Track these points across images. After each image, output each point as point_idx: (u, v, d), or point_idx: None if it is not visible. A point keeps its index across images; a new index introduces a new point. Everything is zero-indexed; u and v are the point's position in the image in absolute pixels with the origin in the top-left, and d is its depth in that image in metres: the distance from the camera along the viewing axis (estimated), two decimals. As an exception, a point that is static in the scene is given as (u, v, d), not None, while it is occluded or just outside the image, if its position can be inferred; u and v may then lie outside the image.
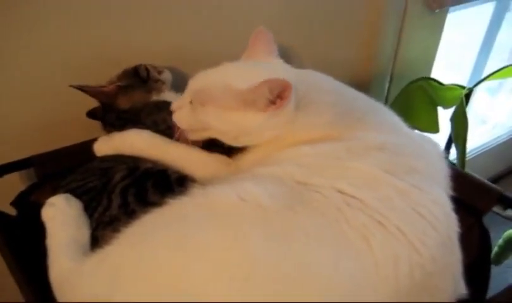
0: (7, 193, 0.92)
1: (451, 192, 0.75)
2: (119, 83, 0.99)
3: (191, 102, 0.85)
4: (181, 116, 0.87)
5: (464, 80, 2.09)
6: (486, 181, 0.93)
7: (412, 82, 1.46)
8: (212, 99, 0.81)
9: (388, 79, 1.56)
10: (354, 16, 1.40)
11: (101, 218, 0.76)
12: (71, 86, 0.95)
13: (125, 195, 0.77)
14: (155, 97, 1.02)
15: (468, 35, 2.08)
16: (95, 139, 0.96)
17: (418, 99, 1.46)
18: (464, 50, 2.12)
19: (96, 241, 0.75)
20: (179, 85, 1.03)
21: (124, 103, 1.00)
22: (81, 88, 0.96)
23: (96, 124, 1.02)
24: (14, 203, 0.93)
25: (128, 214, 0.74)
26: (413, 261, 0.61)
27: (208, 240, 0.60)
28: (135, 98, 1.00)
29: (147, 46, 1.12)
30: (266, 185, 0.67)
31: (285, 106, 0.76)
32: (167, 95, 1.03)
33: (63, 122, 1.09)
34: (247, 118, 0.79)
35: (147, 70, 1.03)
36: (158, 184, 0.78)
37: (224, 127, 0.83)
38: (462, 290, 0.68)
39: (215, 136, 0.86)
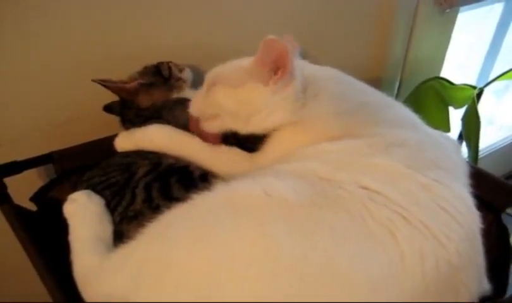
0: (26, 189, 0.93)
1: (470, 189, 0.75)
2: (141, 81, 0.99)
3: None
4: (195, 102, 0.88)
5: (472, 80, 2.09)
6: (503, 179, 0.94)
7: (423, 82, 1.46)
8: (221, 79, 0.83)
9: (398, 78, 1.57)
10: (365, 17, 1.40)
11: (125, 212, 0.77)
12: (93, 80, 0.96)
13: (149, 190, 0.78)
14: (175, 95, 1.03)
15: (476, 36, 2.09)
16: (114, 136, 0.96)
17: (429, 98, 1.46)
18: (472, 51, 2.12)
19: (120, 236, 0.75)
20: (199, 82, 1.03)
21: (144, 101, 1.00)
22: (103, 83, 0.96)
23: (115, 120, 1.03)
24: (33, 199, 0.94)
25: (152, 209, 0.74)
26: (438, 255, 0.61)
27: (233, 236, 0.60)
28: (156, 96, 1.00)
29: (166, 43, 1.13)
30: (290, 180, 0.67)
31: (288, 75, 0.78)
32: (188, 93, 1.03)
33: (82, 117, 1.10)
34: (254, 92, 0.81)
35: (169, 68, 1.03)
36: (182, 180, 0.79)
37: (234, 106, 0.83)
38: (485, 285, 0.69)
39: (227, 126, 0.85)
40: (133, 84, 0.98)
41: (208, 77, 0.87)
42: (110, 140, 0.96)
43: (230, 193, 0.67)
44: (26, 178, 0.95)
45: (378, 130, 0.79)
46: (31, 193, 0.95)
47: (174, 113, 0.96)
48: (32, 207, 0.93)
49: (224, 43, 1.19)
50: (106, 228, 0.77)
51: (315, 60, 0.93)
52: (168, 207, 0.68)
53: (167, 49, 1.12)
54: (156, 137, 0.91)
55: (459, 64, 2.10)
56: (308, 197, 0.65)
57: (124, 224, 0.76)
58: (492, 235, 0.84)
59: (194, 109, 0.88)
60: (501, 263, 0.84)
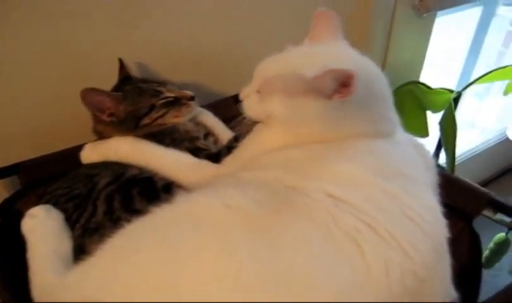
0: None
1: (440, 197, 0.74)
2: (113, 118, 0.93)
3: (258, 91, 0.82)
4: (249, 105, 0.83)
5: (452, 84, 2.10)
6: (475, 185, 0.93)
7: (401, 86, 1.46)
8: (278, 87, 0.78)
9: None
10: (342, 20, 1.39)
11: (87, 224, 0.75)
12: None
13: (110, 201, 0.76)
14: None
15: (455, 40, 2.10)
16: (82, 145, 0.94)
17: (407, 103, 1.46)
18: (452, 55, 2.13)
19: (83, 249, 0.73)
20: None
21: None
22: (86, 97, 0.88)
23: (83, 130, 0.99)
24: (-3, 211, 0.91)
25: (113, 221, 0.73)
26: (404, 266, 0.60)
27: (193, 250, 0.58)
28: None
29: (152, 51, 1.13)
30: (251, 190, 0.66)
31: (350, 94, 0.70)
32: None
33: (49, 127, 1.07)
34: (313, 105, 0.74)
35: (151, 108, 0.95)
36: (144, 191, 0.77)
37: (291, 117, 0.78)
38: (452, 295, 0.68)
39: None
40: (106, 118, 0.92)
41: (260, 76, 0.82)
42: (77, 151, 0.93)
43: (190, 206, 0.65)
44: None
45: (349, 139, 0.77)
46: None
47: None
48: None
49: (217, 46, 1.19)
50: (65, 244, 0.74)
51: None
52: (129, 220, 0.66)
53: (153, 57, 1.12)
54: (120, 148, 0.89)
55: (439, 68, 2.12)
56: (269, 206, 0.63)
57: (86, 237, 0.74)
58: (464, 242, 0.84)
59: (249, 113, 0.84)
60: (472, 270, 0.83)
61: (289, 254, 0.58)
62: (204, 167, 0.86)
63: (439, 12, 1.52)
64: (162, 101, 0.94)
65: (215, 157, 0.88)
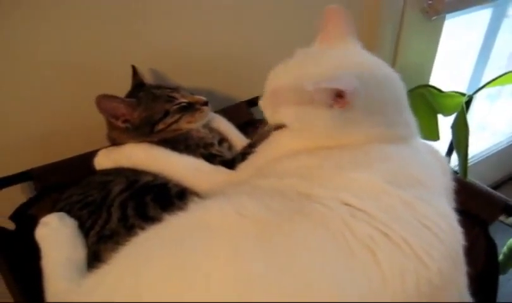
0: (7, 206, 0.91)
1: (455, 204, 0.74)
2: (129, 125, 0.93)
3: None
4: (267, 115, 0.85)
5: (463, 87, 2.09)
6: (491, 190, 0.92)
7: (412, 89, 1.45)
8: (285, 98, 0.79)
9: None
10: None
11: (102, 231, 0.75)
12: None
13: (124, 208, 0.76)
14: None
15: (466, 42, 2.08)
16: (95, 151, 0.95)
17: (418, 107, 1.43)
18: (463, 57, 2.11)
19: (97, 256, 0.74)
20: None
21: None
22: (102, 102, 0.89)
23: (97, 135, 1.00)
24: (12, 217, 0.92)
25: (127, 228, 0.73)
26: (420, 274, 0.59)
27: (206, 258, 0.58)
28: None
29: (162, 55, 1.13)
30: (265, 198, 0.66)
31: (346, 105, 0.71)
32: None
33: (63, 133, 1.08)
34: (319, 113, 0.75)
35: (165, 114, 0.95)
36: (158, 198, 0.77)
37: (301, 125, 0.78)
38: (469, 301, 0.67)
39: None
40: (120, 125, 0.93)
41: (270, 87, 0.83)
42: (91, 156, 0.94)
43: (203, 214, 0.65)
44: (6, 196, 0.94)
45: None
46: (11, 211, 0.92)
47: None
48: (10, 225, 0.91)
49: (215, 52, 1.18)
50: (79, 251, 0.75)
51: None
52: (143, 227, 0.67)
53: (165, 64, 1.12)
54: (134, 155, 0.90)
55: (450, 71, 2.10)
56: (283, 214, 0.63)
57: (101, 244, 0.75)
58: (480, 248, 0.83)
59: (271, 123, 0.85)
60: (489, 277, 0.83)
61: (304, 263, 0.58)
62: (218, 173, 0.86)
63: (448, 15, 1.51)
64: (176, 106, 0.94)
65: (230, 163, 0.89)
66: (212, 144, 0.93)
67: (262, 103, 0.86)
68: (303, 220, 0.62)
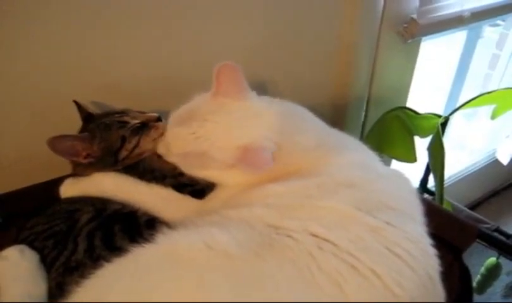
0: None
1: (428, 229, 0.73)
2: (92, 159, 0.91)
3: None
4: (179, 163, 0.88)
5: (440, 108, 2.11)
6: (463, 218, 0.92)
7: (388, 111, 1.45)
8: (194, 164, 0.85)
9: (364, 107, 1.56)
10: (328, 46, 1.39)
11: (67, 263, 0.73)
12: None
13: (91, 238, 0.74)
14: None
15: (442, 63, 2.11)
16: (62, 177, 0.92)
17: (394, 128, 1.46)
18: (439, 78, 2.14)
19: (62, 288, 0.70)
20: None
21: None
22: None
23: (63, 161, 0.96)
24: (-25, 247, 0.89)
25: (94, 259, 0.71)
26: None
27: (173, 292, 0.57)
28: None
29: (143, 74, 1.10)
30: (234, 230, 0.65)
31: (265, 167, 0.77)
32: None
33: (27, 158, 1.05)
34: (227, 174, 0.83)
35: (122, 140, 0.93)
36: (126, 228, 0.76)
37: (238, 178, 0.82)
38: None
39: None
40: (83, 161, 0.91)
41: (175, 144, 0.87)
42: (58, 183, 0.91)
43: (171, 246, 0.64)
44: None
45: (328, 170, 0.77)
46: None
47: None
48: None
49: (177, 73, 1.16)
50: (40, 286, 0.72)
51: (279, 88, 0.91)
52: (109, 259, 0.65)
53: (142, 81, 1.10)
54: (102, 184, 0.88)
55: (426, 92, 2.13)
56: (251, 249, 0.62)
57: (66, 275, 0.72)
58: (453, 276, 0.82)
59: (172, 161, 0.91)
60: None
61: (270, 301, 0.57)
62: (186, 203, 0.85)
63: (424, 37, 1.53)
64: (129, 130, 0.92)
65: (200, 193, 0.87)
66: (180, 174, 0.90)
67: (161, 147, 0.91)
68: (271, 255, 0.62)
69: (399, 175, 0.83)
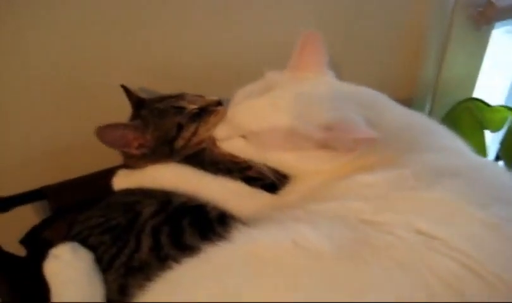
0: (17, 228, 0.81)
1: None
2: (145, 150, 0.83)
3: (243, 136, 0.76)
4: (236, 149, 0.78)
5: (501, 101, 1.98)
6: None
7: (459, 103, 1.35)
8: (271, 144, 0.73)
9: (430, 99, 1.47)
10: (395, 32, 1.32)
11: (129, 262, 0.64)
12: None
13: (157, 235, 0.65)
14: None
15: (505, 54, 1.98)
16: (115, 167, 0.85)
17: (464, 121, 1.34)
18: (503, 70, 2.01)
19: (125, 291, 0.62)
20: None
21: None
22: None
23: (114, 150, 0.89)
24: (24, 241, 0.82)
25: (161, 259, 0.62)
26: None
27: (259, 298, 0.48)
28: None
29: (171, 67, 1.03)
30: (324, 227, 0.55)
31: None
32: None
33: (76, 148, 0.99)
34: (310, 158, 0.71)
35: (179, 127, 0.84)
36: (196, 222, 0.66)
37: (286, 167, 0.74)
38: None
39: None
40: (135, 152, 0.82)
41: (242, 122, 0.76)
42: (110, 173, 0.83)
43: (252, 245, 0.54)
44: (16, 217, 0.84)
45: (422, 158, 0.66)
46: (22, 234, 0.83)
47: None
48: (21, 251, 0.81)
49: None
50: (95, 288, 0.64)
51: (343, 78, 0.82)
52: (178, 258, 0.55)
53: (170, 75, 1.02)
54: (160, 176, 0.79)
55: (490, 83, 2.00)
56: (348, 248, 0.52)
57: (129, 277, 0.63)
58: None
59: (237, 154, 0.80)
60: None
61: None
62: (260, 197, 0.75)
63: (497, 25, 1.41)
64: (187, 116, 0.83)
65: (271, 188, 0.76)
66: (248, 167, 0.79)
67: (221, 135, 0.79)
68: (372, 256, 0.51)
69: (495, 164, 0.71)
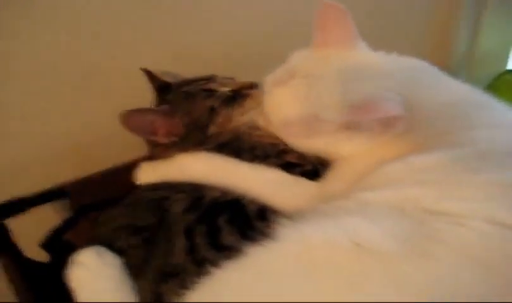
0: (35, 230, 0.76)
1: None
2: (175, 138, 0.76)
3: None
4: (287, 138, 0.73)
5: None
6: None
7: (497, 76, 1.28)
8: (302, 133, 0.68)
9: (464, 72, 1.41)
10: (428, 4, 1.29)
11: (162, 267, 0.58)
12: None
13: (191, 235, 0.58)
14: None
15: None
16: (137, 160, 0.78)
17: (503, 95, 1.27)
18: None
19: (159, 299, 0.56)
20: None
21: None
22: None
23: (137, 143, 0.82)
24: (44, 245, 0.77)
25: (198, 263, 0.55)
26: None
27: None
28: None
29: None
30: (382, 220, 0.48)
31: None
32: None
33: (93, 143, 0.97)
34: (343, 140, 0.66)
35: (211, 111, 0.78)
36: (234, 219, 0.59)
37: (322, 153, 0.69)
38: None
39: None
40: (163, 140, 0.75)
41: (278, 113, 0.72)
42: (134, 167, 0.77)
43: (305, 245, 0.48)
44: (33, 217, 0.80)
45: (479, 134, 0.58)
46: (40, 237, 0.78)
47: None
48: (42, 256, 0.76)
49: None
50: (126, 298, 0.58)
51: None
52: (217, 261, 0.49)
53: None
54: (188, 167, 0.72)
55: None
56: (415, 245, 0.45)
57: (162, 284, 0.56)
58: None
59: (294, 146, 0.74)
60: None
61: None
62: (303, 186, 0.68)
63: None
64: (219, 100, 0.76)
65: (312, 174, 0.69)
66: (286, 151, 0.72)
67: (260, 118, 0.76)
68: (445, 255, 0.44)
69: None
